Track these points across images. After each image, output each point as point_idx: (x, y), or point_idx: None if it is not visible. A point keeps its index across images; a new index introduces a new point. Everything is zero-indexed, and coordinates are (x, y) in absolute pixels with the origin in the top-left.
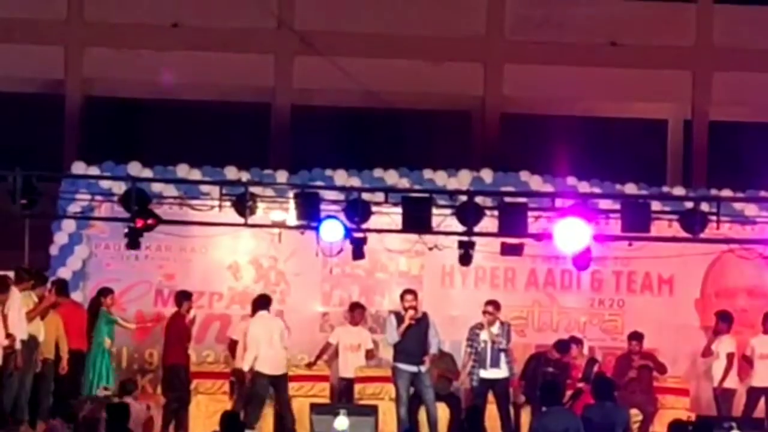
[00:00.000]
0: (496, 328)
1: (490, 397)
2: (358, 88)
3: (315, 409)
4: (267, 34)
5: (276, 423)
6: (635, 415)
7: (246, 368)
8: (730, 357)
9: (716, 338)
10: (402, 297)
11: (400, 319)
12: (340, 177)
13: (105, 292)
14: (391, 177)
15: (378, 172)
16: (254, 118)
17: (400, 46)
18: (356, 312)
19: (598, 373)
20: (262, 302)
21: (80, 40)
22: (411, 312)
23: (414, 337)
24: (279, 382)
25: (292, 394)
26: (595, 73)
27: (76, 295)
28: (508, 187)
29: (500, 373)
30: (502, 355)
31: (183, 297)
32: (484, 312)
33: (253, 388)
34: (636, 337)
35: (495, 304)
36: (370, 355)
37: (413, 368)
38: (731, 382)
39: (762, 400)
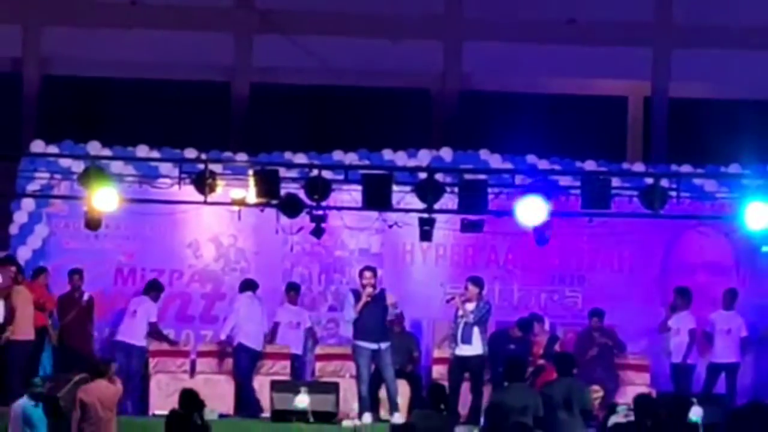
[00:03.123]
0: (471, 305)
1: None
2: (317, 66)
3: (275, 386)
4: (226, 12)
5: (236, 399)
6: (596, 391)
7: (223, 336)
8: (692, 333)
9: (673, 314)
10: (361, 274)
11: (358, 296)
12: (300, 160)
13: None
14: (351, 159)
15: (337, 155)
16: (214, 97)
17: (360, 24)
18: (292, 292)
19: (559, 351)
20: (248, 285)
21: (38, 19)
22: (369, 289)
23: (373, 315)
24: (257, 358)
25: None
26: (554, 50)
27: None
28: (468, 166)
29: (472, 350)
30: (475, 332)
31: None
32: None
33: (238, 363)
34: (596, 313)
35: (473, 281)
36: (311, 333)
37: (373, 345)
38: (690, 357)
39: (722, 377)
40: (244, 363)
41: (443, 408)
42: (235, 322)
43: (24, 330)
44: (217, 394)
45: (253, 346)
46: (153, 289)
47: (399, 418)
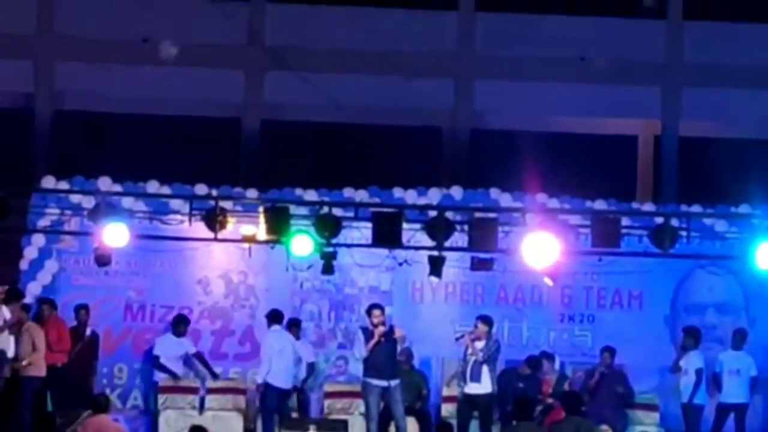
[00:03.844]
0: (481, 343)
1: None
2: (328, 103)
3: (284, 424)
4: (237, 49)
5: None
6: (605, 431)
7: (260, 380)
8: (698, 373)
9: (684, 354)
10: (369, 312)
11: (367, 334)
12: (310, 197)
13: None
14: (361, 196)
15: (348, 192)
16: (224, 134)
17: (371, 61)
18: (294, 328)
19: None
20: (275, 316)
21: (50, 54)
22: (381, 328)
23: (383, 352)
24: (288, 396)
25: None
26: (565, 89)
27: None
28: (478, 204)
29: (481, 388)
30: (484, 370)
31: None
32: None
33: (263, 401)
34: (608, 349)
35: (483, 319)
36: (312, 368)
37: (383, 383)
38: (700, 398)
39: (731, 417)
40: (271, 403)
41: None
42: (269, 366)
43: (38, 366)
44: (227, 430)
45: (281, 385)
46: (177, 324)
47: None
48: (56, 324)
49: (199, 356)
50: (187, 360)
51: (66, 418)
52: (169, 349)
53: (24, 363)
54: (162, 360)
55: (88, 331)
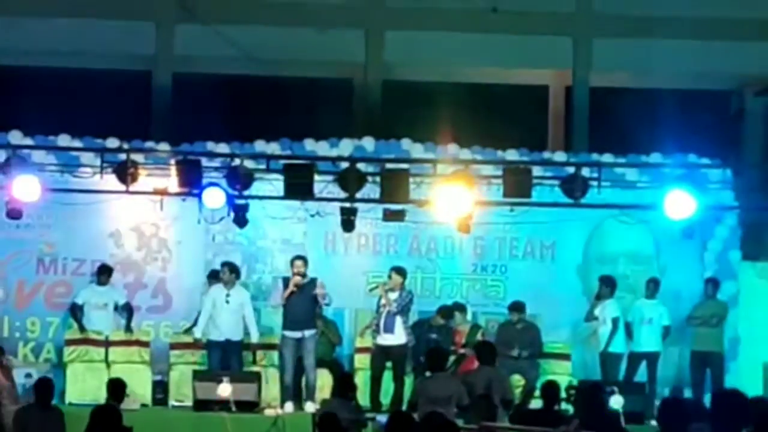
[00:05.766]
0: (394, 294)
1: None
2: (239, 55)
3: (197, 376)
4: (147, 1)
5: (153, 390)
6: (518, 380)
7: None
8: (615, 321)
9: (599, 302)
10: (292, 263)
11: (288, 284)
12: (222, 149)
13: None
14: (273, 149)
15: (259, 144)
16: (135, 87)
17: (282, 12)
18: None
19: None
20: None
21: None
22: (297, 278)
23: (299, 304)
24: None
25: (173, 362)
26: (476, 39)
27: None
28: (390, 155)
29: (395, 339)
30: (398, 321)
31: None
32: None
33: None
34: (516, 306)
35: (396, 270)
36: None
37: (297, 334)
38: (616, 346)
39: (643, 365)
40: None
41: (352, 397)
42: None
43: None
44: (135, 384)
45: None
46: (99, 273)
47: (311, 406)
48: None
49: (128, 307)
50: (117, 310)
51: None
52: (92, 298)
53: None
54: (85, 309)
55: None
